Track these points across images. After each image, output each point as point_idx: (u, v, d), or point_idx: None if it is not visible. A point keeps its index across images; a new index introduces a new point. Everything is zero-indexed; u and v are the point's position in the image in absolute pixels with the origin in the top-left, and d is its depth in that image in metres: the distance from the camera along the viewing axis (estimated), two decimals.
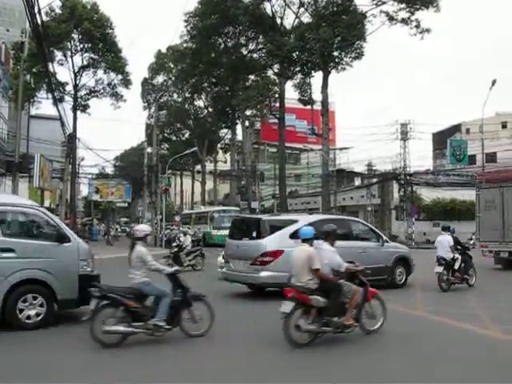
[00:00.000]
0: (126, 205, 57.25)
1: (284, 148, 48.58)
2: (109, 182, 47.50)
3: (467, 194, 40.43)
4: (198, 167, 63.22)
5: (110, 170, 61.79)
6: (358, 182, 54.27)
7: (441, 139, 54.28)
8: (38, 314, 8.58)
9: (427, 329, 8.97)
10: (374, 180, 46.09)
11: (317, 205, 47.13)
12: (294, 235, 10.99)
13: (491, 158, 44.30)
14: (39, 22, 16.99)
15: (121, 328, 7.44)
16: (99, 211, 70.72)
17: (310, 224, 11.01)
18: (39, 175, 33.55)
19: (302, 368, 6.63)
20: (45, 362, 6.94)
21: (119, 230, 56.30)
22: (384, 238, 14.55)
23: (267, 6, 44.90)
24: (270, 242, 12.15)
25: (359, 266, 8.12)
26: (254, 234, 12.56)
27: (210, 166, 63.09)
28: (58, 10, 42.69)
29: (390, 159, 45.72)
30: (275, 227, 12.66)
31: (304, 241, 7.95)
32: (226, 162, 62.14)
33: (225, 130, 60.26)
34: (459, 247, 14.08)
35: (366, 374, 6.34)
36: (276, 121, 50.02)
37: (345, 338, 7.83)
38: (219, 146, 63.52)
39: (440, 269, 13.30)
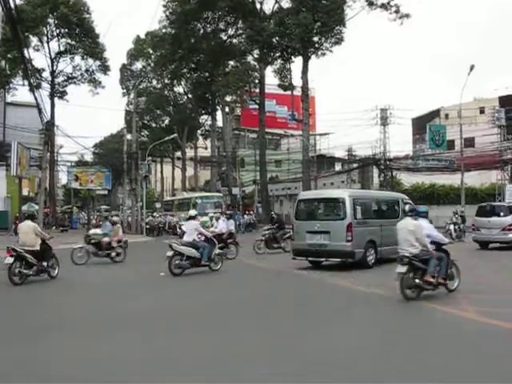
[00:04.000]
0: (106, 192, 56.67)
1: (264, 134, 48.55)
2: (88, 170, 46.99)
3: (446, 179, 40.87)
4: (178, 154, 62.91)
5: (89, 157, 61.10)
6: (338, 167, 54.57)
7: (420, 124, 54.61)
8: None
9: None
10: (355, 165, 46.27)
11: (297, 190, 47.12)
12: None
13: (469, 142, 44.61)
14: (12, 5, 16.62)
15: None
16: (79, 199, 70.05)
17: None
18: (17, 163, 33.13)
19: None
20: None
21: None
22: None
23: None
24: (511, 218, 20.26)
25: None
26: (502, 214, 20.60)
27: (190, 153, 62.77)
28: None
29: (370, 144, 45.89)
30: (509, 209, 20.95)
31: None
32: (206, 148, 61.80)
33: (205, 117, 59.95)
34: None
35: None
36: (256, 106, 49.88)
37: None
38: (199, 132, 63.22)
39: None
